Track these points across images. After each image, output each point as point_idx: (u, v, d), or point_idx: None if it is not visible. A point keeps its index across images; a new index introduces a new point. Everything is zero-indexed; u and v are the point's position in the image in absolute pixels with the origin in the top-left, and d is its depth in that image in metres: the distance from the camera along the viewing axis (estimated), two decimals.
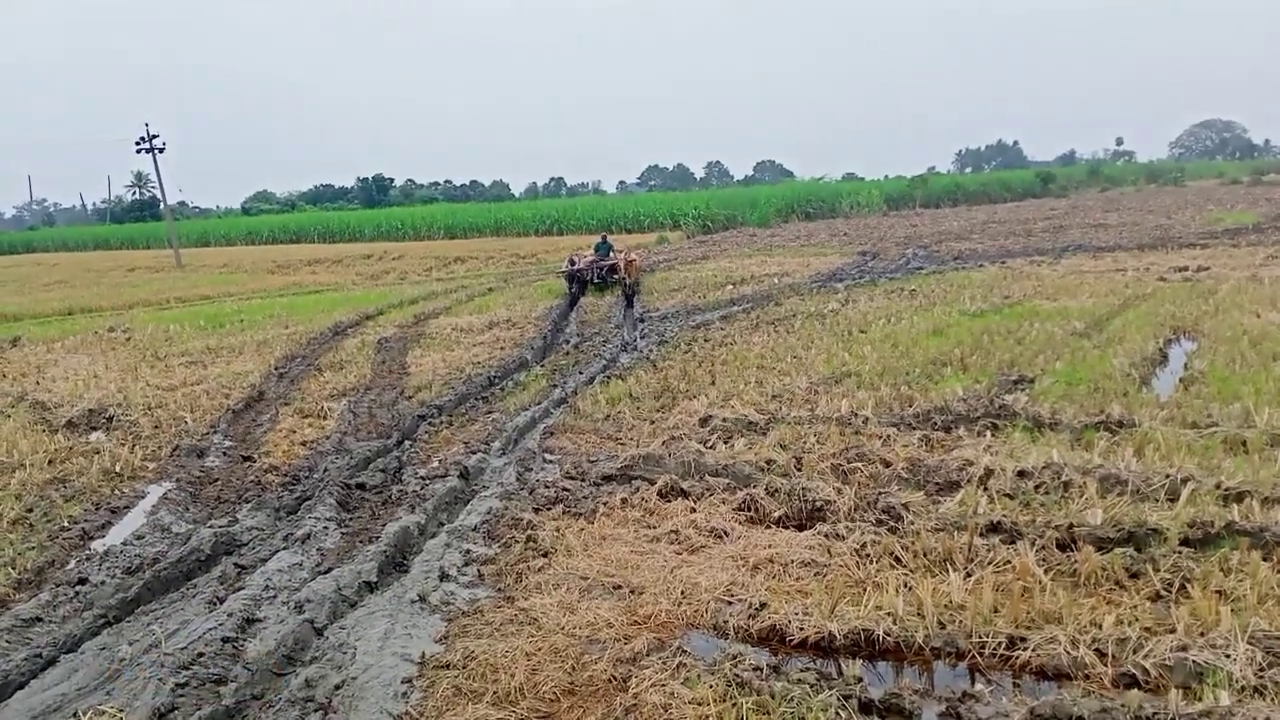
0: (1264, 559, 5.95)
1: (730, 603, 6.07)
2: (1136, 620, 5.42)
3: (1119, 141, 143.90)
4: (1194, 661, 4.82)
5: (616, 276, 24.25)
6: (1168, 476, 7.37)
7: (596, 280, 24.79)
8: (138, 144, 51.62)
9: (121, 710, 4.94)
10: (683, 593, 6.22)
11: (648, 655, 5.38)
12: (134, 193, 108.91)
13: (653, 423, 10.57)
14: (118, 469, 10.16)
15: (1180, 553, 6.14)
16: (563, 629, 5.82)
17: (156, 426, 11.97)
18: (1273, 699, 4.55)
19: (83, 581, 7.07)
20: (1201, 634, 5.14)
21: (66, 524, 8.51)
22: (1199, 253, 24.81)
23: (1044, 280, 20.81)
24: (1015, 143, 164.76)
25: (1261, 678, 4.69)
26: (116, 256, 63.33)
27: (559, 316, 20.76)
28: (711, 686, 4.93)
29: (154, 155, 51.99)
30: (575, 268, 24.89)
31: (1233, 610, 5.31)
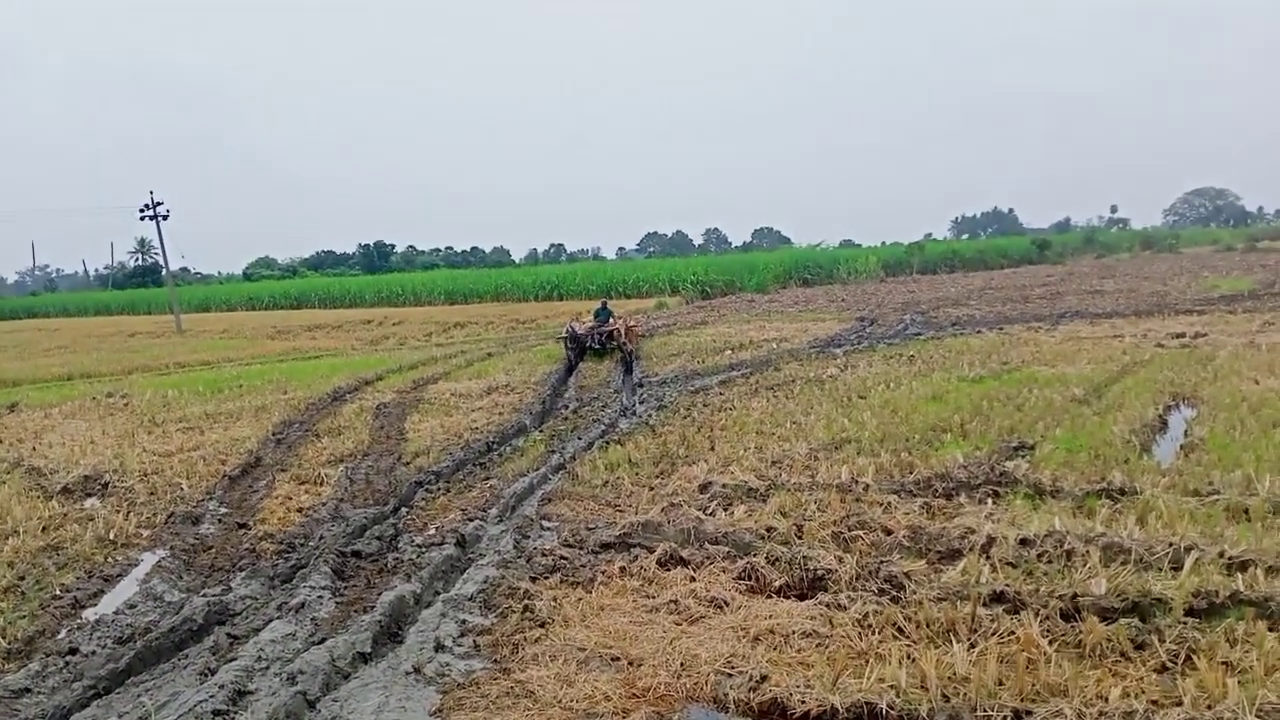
0: (1270, 629, 5.88)
1: (731, 674, 5.97)
2: (1143, 693, 5.33)
3: (1113, 209, 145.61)
4: None
5: (615, 343, 24.37)
6: (1171, 545, 7.31)
7: (595, 346, 24.78)
8: (141, 211, 52.22)
9: None
10: (682, 664, 6.12)
11: None
12: (136, 259, 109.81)
13: (651, 489, 10.51)
14: (112, 536, 10.07)
15: (1185, 623, 6.07)
16: (560, 702, 5.72)
17: (152, 493, 11.90)
18: None
19: (73, 651, 6.96)
20: (1209, 707, 5.05)
21: (58, 592, 8.41)
22: (1196, 319, 24.92)
23: (1042, 346, 20.87)
24: (1010, 210, 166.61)
25: None
26: (118, 322, 63.60)
27: (557, 381, 20.76)
28: None
29: (157, 222, 52.54)
30: (575, 333, 24.91)
31: (1239, 682, 5.23)
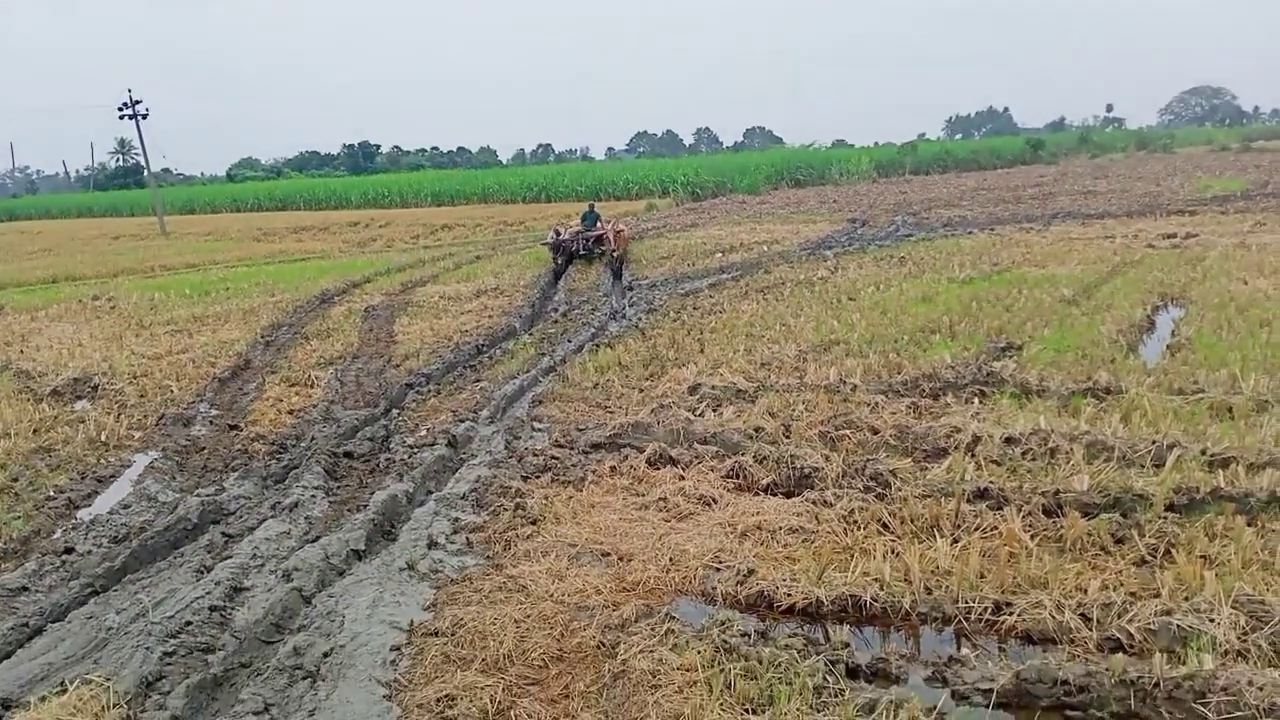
0: (1248, 524, 5.99)
1: (718, 569, 6.09)
2: (1121, 585, 5.46)
3: (1109, 108, 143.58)
4: (1178, 626, 4.86)
5: (603, 248, 23.63)
6: (1154, 443, 7.40)
7: (583, 252, 24.11)
8: (121, 110, 51.05)
9: (109, 679, 4.92)
10: (671, 559, 6.23)
11: (636, 622, 5.40)
12: (117, 160, 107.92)
13: (641, 391, 10.55)
14: (103, 438, 10.11)
15: (1165, 518, 6.18)
16: (551, 596, 5.83)
17: (142, 395, 11.91)
18: (1255, 663, 4.59)
19: (69, 551, 7.05)
20: (1185, 599, 5.17)
21: (52, 493, 8.47)
22: (1187, 220, 24.81)
23: (1033, 247, 20.79)
24: (1005, 109, 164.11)
25: (1244, 642, 4.73)
26: (101, 224, 62.81)
27: (547, 285, 20.67)
28: (700, 652, 4.94)
29: (137, 121, 51.42)
30: (560, 239, 24.15)
31: (1217, 575, 5.35)
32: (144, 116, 51.30)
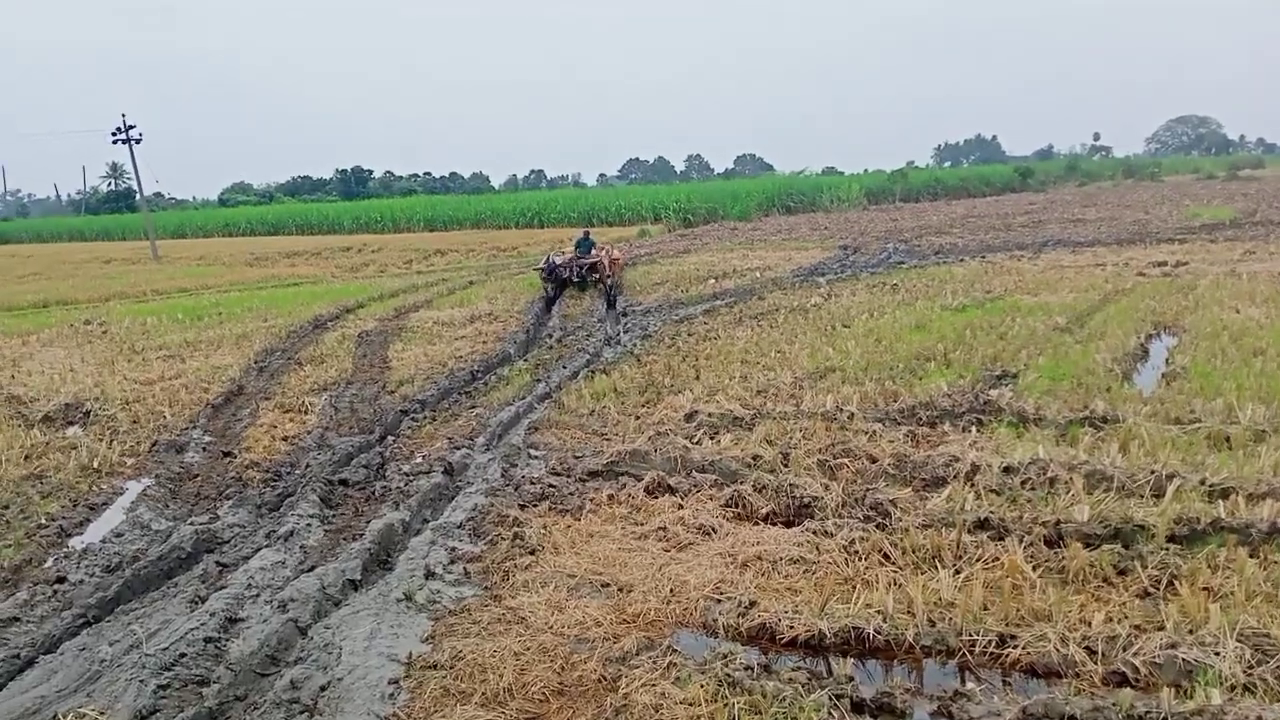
0: (1250, 555, 5.97)
1: (719, 601, 6.04)
2: (1126, 618, 5.42)
3: (1096, 137, 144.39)
4: (1184, 659, 4.82)
5: (596, 275, 22.96)
6: (1153, 472, 7.39)
7: (576, 279, 23.24)
8: (114, 134, 50.92)
9: (103, 712, 4.85)
10: (671, 590, 6.18)
11: (637, 654, 5.34)
12: (110, 184, 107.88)
13: (638, 418, 10.52)
14: (95, 465, 10.02)
15: (1167, 549, 6.16)
16: (551, 628, 5.77)
17: (135, 421, 11.82)
18: (1263, 696, 4.56)
19: (61, 580, 6.95)
20: (1190, 631, 5.14)
21: (44, 521, 8.37)
22: (1177, 248, 24.98)
23: (1024, 275, 20.90)
24: (994, 137, 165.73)
25: (1250, 675, 4.70)
26: (92, 248, 62.67)
27: (541, 310, 20.63)
28: (702, 686, 4.89)
29: (130, 146, 51.31)
30: (554, 265, 23.14)
31: (1221, 607, 5.32)
32: (137, 141, 51.23)
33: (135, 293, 29.84)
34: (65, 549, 7.81)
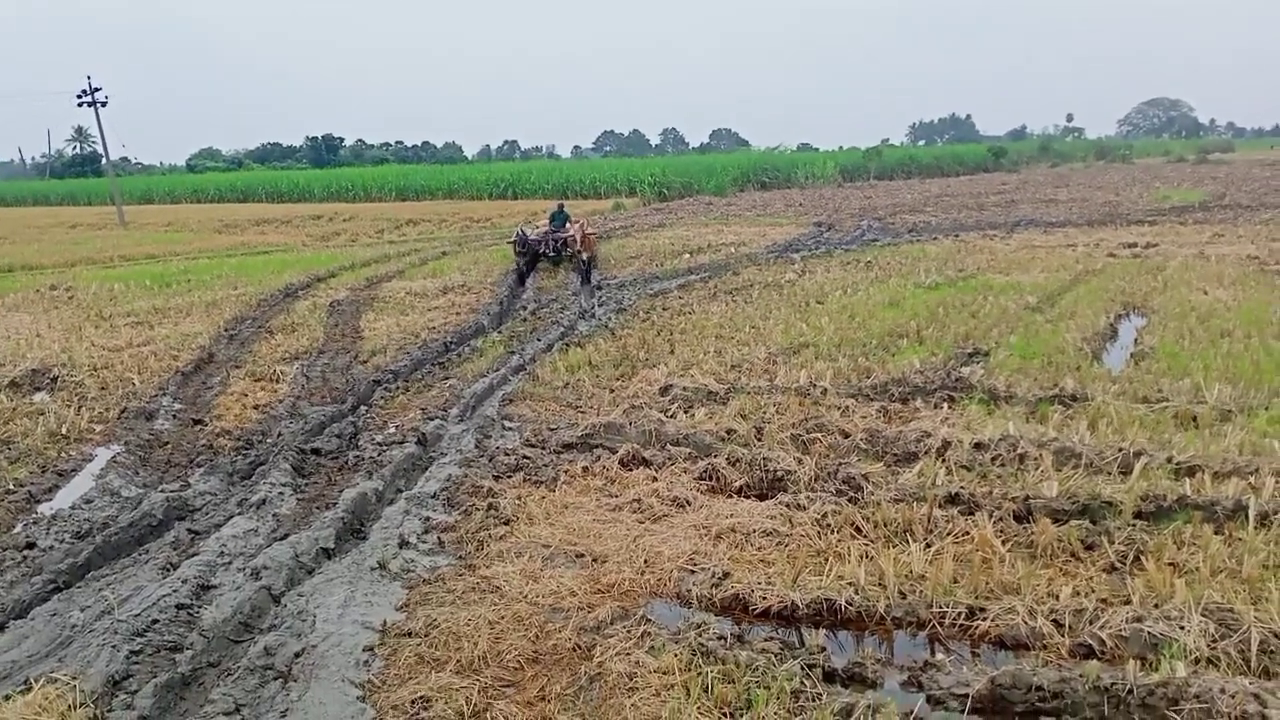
0: (1215, 532, 6.08)
1: (693, 572, 6.08)
2: (1093, 591, 5.51)
3: (1069, 118, 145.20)
4: (1149, 633, 4.91)
5: (570, 250, 22.39)
6: (1120, 450, 7.49)
7: (550, 254, 22.67)
8: (79, 97, 50.07)
9: (74, 678, 4.81)
10: (646, 561, 6.22)
11: (612, 624, 5.38)
12: (75, 148, 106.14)
13: (613, 391, 10.53)
14: (64, 431, 9.91)
15: (1134, 525, 6.26)
16: (525, 597, 5.79)
17: (103, 388, 11.69)
18: (1226, 670, 4.66)
19: (30, 546, 6.90)
20: (1156, 605, 5.24)
21: (12, 487, 8.28)
22: (1147, 229, 25.21)
23: (997, 254, 21.04)
24: (968, 116, 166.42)
25: (1214, 649, 4.79)
26: (57, 213, 61.71)
27: (514, 282, 20.51)
28: (676, 655, 4.93)
29: (96, 109, 50.48)
30: (525, 239, 22.49)
31: (1186, 583, 5.43)
32: (103, 104, 50.40)
33: (102, 258, 29.42)
34: (34, 515, 7.74)
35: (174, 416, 10.42)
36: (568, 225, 23.81)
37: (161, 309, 17.86)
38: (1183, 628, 4.89)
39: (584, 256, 22.00)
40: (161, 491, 7.85)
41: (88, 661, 5.04)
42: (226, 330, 15.35)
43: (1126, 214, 30.02)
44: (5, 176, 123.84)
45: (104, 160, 64.87)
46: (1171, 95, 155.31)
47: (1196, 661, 4.71)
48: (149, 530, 7.10)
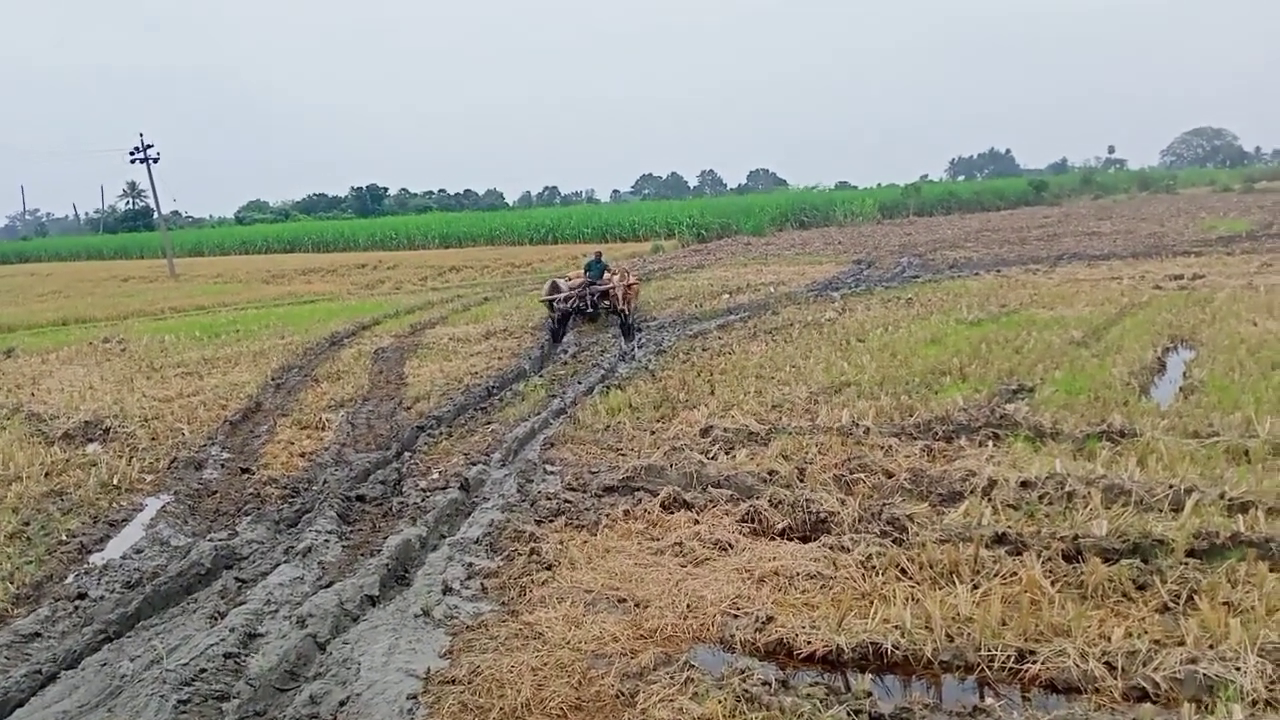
0: (1271, 570, 5.95)
1: (736, 616, 6.04)
2: (1145, 633, 5.40)
3: (1110, 149, 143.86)
4: (1204, 674, 4.80)
5: (609, 303, 19.47)
6: (1171, 487, 7.36)
7: (589, 309, 19.75)
8: (132, 154, 51.52)
9: None
10: (688, 606, 6.19)
11: (655, 670, 5.35)
12: (127, 202, 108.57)
13: (653, 433, 10.54)
14: (115, 481, 10.10)
15: (1186, 564, 6.13)
16: (568, 643, 5.78)
17: (153, 438, 11.91)
18: None
19: (82, 596, 7.02)
20: (1211, 646, 5.12)
21: (64, 537, 8.44)
22: (1193, 261, 24.86)
23: (1040, 289, 20.84)
24: (1008, 150, 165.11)
25: (1273, 690, 4.68)
26: (110, 266, 63.21)
27: (548, 341, 19.38)
28: (720, 702, 4.89)
29: (148, 165, 51.90)
30: (561, 294, 19.73)
31: (1241, 622, 5.30)
32: (155, 160, 51.82)
33: (153, 310, 30.10)
34: (86, 565, 7.87)
35: (222, 466, 10.58)
36: (605, 275, 20.55)
37: (210, 359, 18.19)
38: (1239, 669, 4.77)
39: (625, 311, 19.35)
40: (210, 540, 7.96)
41: (136, 711, 5.12)
42: (273, 379, 15.59)
43: (1172, 245, 29.64)
44: (61, 232, 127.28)
45: (155, 214, 66.52)
46: (1215, 124, 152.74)
47: (1254, 704, 4.59)
48: (197, 579, 7.19)
